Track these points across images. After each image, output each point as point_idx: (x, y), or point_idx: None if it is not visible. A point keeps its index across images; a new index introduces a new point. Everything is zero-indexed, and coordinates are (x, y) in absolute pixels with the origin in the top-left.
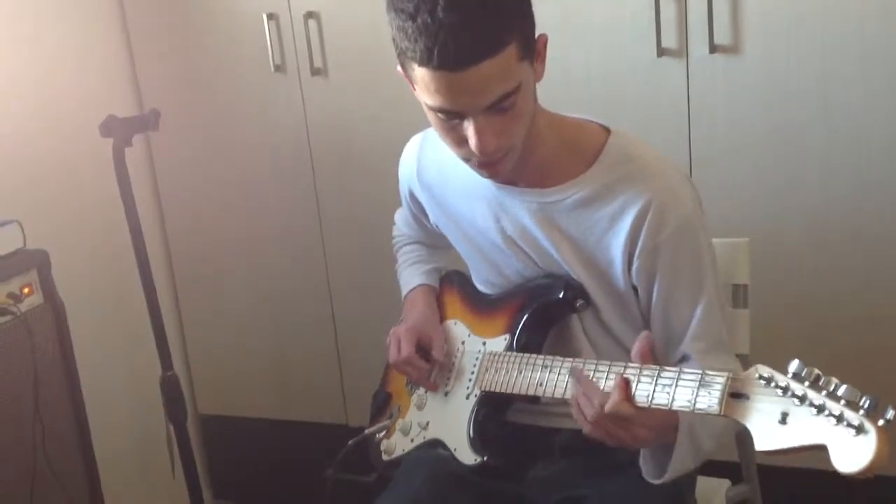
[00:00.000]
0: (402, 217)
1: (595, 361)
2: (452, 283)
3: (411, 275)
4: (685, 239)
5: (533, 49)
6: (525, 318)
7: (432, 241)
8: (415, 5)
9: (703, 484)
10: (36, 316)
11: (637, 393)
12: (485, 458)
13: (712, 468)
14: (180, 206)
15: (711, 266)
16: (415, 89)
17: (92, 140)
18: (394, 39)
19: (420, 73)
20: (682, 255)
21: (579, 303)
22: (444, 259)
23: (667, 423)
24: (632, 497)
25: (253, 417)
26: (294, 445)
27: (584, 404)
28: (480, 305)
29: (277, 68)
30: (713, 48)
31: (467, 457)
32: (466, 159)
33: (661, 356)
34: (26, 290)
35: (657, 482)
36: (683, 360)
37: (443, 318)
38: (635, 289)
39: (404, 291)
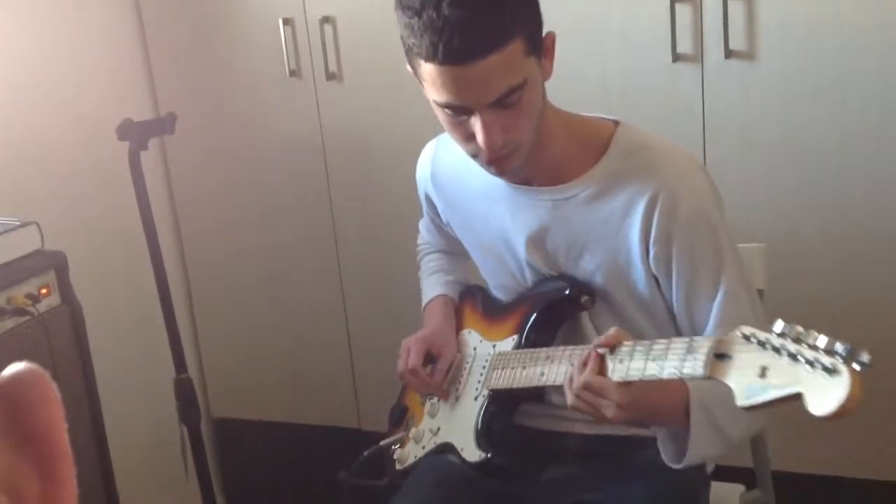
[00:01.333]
0: (424, 224)
1: (593, 346)
2: (474, 295)
3: (431, 284)
4: (699, 225)
5: (540, 46)
6: (532, 318)
7: (453, 247)
8: (420, 2)
9: (718, 489)
10: (53, 317)
11: (631, 366)
12: (489, 455)
13: (727, 473)
14: (195, 210)
15: (730, 250)
16: (423, 87)
17: (109, 143)
18: (402, 37)
19: (426, 68)
20: (698, 241)
21: (584, 298)
22: (466, 267)
23: (673, 403)
24: (645, 503)
25: (266, 421)
26: (306, 449)
27: (574, 376)
28: (493, 312)
29: (292, 73)
30: (728, 53)
31: (473, 454)
32: (474, 155)
33: None
34: (44, 291)
35: (677, 466)
36: None
37: (459, 329)
38: (656, 279)
39: (425, 301)
